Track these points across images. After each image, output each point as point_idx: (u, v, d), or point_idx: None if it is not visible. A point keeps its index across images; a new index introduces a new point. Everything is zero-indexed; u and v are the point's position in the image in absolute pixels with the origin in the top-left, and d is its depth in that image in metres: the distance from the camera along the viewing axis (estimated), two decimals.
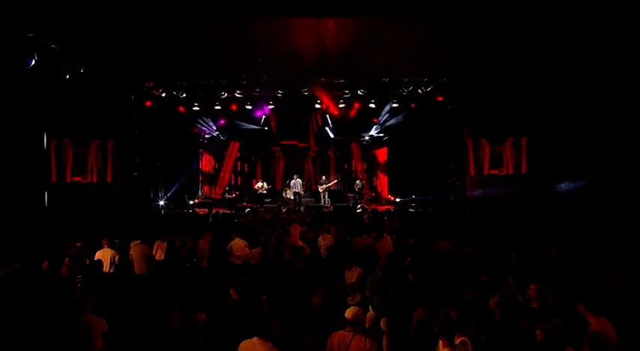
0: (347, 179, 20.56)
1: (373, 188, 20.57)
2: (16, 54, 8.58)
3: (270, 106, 17.85)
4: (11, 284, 6.58)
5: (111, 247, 8.10)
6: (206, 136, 19.44)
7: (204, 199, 19.02)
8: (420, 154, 18.07)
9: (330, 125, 19.43)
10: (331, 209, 16.37)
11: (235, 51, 14.76)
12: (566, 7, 12.15)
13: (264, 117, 19.10)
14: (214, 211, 13.41)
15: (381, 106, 17.82)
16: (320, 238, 9.21)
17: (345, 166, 20.95)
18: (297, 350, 5.12)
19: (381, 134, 19.66)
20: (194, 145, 19.17)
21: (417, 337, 5.25)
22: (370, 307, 6.00)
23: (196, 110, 17.23)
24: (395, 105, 17.29)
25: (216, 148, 20.44)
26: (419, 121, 17.88)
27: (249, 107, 17.59)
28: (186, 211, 16.41)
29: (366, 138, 19.99)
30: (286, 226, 10.33)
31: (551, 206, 13.34)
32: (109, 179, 14.87)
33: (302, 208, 16.08)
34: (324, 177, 18.94)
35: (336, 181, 19.03)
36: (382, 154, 20.16)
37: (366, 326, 5.49)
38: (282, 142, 20.69)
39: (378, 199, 19.51)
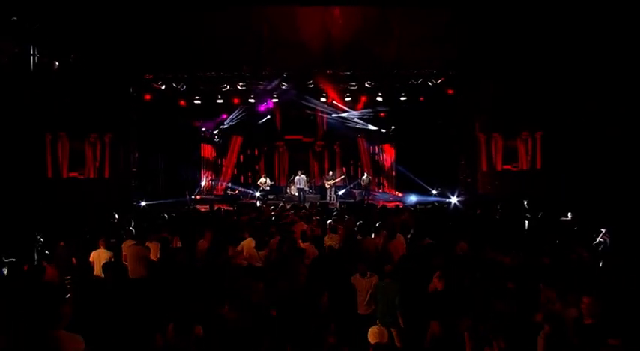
0: (355, 175, 19.95)
1: (379, 184, 19.95)
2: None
3: (274, 100, 17.25)
4: None
5: (108, 247, 7.54)
6: (208, 130, 18.85)
7: (205, 195, 18.47)
8: (428, 148, 17.49)
9: (336, 119, 18.80)
10: (337, 206, 15.77)
11: (238, 41, 14.25)
12: None
13: (267, 111, 18.50)
14: (215, 208, 12.88)
15: (389, 100, 17.18)
16: (326, 238, 8.64)
17: (352, 162, 20.30)
18: None
19: (389, 128, 19.01)
20: (195, 139, 18.60)
21: None
22: (377, 320, 5.48)
23: (197, 104, 16.63)
24: (403, 98, 16.64)
25: (219, 143, 19.85)
26: (427, 114, 17.28)
27: (252, 100, 17.01)
28: (187, 207, 15.88)
29: (374, 132, 19.32)
30: (291, 224, 9.76)
31: (571, 204, 12.72)
32: (107, 175, 14.39)
33: (307, 205, 15.66)
34: (331, 172, 18.36)
35: (343, 177, 18.41)
36: (389, 149, 19.54)
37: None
38: (286, 137, 20.07)
39: (384, 195, 18.88)
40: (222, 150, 19.94)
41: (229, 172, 19.64)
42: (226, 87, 15.45)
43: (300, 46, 14.44)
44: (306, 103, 17.41)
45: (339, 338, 4.46)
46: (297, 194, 17.96)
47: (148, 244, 8.17)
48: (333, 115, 18.61)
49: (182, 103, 16.79)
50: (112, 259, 7.45)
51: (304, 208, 13.56)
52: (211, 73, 15.05)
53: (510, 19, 13.81)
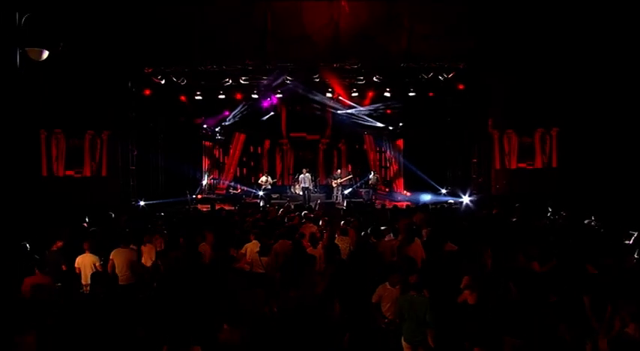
0: (360, 173, 19.34)
1: (387, 183, 19.32)
2: None
3: (278, 95, 16.63)
4: None
5: (93, 251, 6.92)
6: (209, 127, 18.24)
7: (207, 194, 17.87)
8: (438, 146, 16.88)
9: (342, 116, 18.17)
10: (344, 206, 15.16)
11: (241, 34, 13.70)
12: None
13: (271, 107, 17.88)
14: (217, 208, 12.28)
15: (397, 95, 16.55)
16: (337, 241, 8.02)
17: (358, 160, 19.69)
18: None
19: (397, 125, 18.37)
20: (196, 136, 18.01)
21: None
22: (402, 338, 4.85)
23: (199, 99, 16.02)
24: (411, 94, 16.01)
25: (220, 140, 19.23)
26: (437, 110, 16.64)
27: (256, 96, 16.39)
28: (187, 207, 15.28)
29: (381, 129, 18.69)
30: (298, 226, 9.14)
31: (590, 205, 12.08)
32: (104, 173, 13.84)
33: (313, 204, 15.08)
34: (339, 171, 17.74)
35: (350, 176, 17.79)
36: (397, 147, 18.90)
37: None
38: (291, 134, 19.44)
39: (392, 194, 18.26)
40: (224, 147, 19.34)
41: (231, 170, 19.03)
42: (229, 82, 14.82)
43: (306, 39, 13.89)
44: (312, 98, 16.79)
45: None
46: (301, 193, 17.36)
47: (143, 247, 7.65)
48: (339, 112, 17.98)
49: (183, 98, 16.18)
50: (98, 264, 6.83)
51: (311, 208, 12.95)
52: (213, 67, 14.41)
53: (525, 9, 13.24)
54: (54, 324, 4.53)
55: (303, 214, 10.22)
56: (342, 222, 9.26)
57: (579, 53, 13.19)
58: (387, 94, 16.29)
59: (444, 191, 16.47)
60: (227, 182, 18.53)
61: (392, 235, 8.05)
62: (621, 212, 9.93)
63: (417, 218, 10.51)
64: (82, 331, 4.46)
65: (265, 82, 15.39)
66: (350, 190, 18.21)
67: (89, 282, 6.65)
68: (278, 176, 18.97)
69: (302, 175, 16.79)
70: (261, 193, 17.14)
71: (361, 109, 17.23)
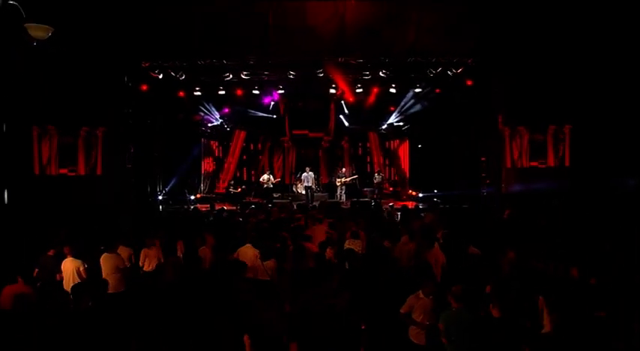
0: (364, 172, 18.83)
1: (392, 182, 18.80)
2: None
3: (280, 91, 16.07)
4: None
5: (76, 256, 6.35)
6: (209, 124, 17.66)
7: (206, 193, 17.32)
8: (445, 144, 16.35)
9: (346, 112, 17.64)
10: (349, 205, 14.64)
11: (242, 27, 13.14)
12: None
13: (272, 103, 17.32)
14: (218, 208, 11.73)
15: (402, 92, 16.03)
16: (347, 244, 7.50)
17: (368, 159, 19.16)
18: None
19: (402, 123, 17.83)
20: (195, 134, 17.41)
21: None
22: None
23: (198, 95, 15.43)
24: (418, 90, 15.48)
25: (220, 138, 18.65)
26: (444, 107, 16.10)
27: (257, 92, 15.82)
28: (186, 207, 14.74)
29: (385, 127, 18.16)
30: (305, 227, 8.62)
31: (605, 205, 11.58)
32: (99, 172, 13.21)
33: (316, 204, 14.60)
34: (343, 169, 17.20)
35: (356, 176, 17.25)
36: (403, 145, 18.37)
37: None
38: (293, 132, 18.88)
39: (397, 194, 17.73)
40: (224, 145, 18.77)
41: (232, 168, 18.47)
42: (229, 76, 14.23)
43: (310, 33, 13.34)
44: (315, 95, 16.26)
45: None
46: (304, 192, 16.85)
47: (145, 250, 7.12)
48: (344, 109, 17.45)
49: (181, 94, 15.59)
50: (83, 269, 6.26)
51: (314, 207, 12.43)
52: (213, 61, 13.84)
53: (537, 1, 12.73)
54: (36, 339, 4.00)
55: (316, 215, 9.68)
56: (352, 223, 8.73)
57: (594, 47, 12.66)
58: (393, 91, 15.75)
59: (451, 191, 15.96)
60: (227, 181, 17.95)
61: (407, 237, 7.53)
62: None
63: (428, 219, 10.04)
64: (65, 346, 3.94)
65: (267, 77, 14.81)
66: (353, 189, 17.71)
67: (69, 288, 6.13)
68: (277, 175, 18.42)
69: (305, 174, 16.28)
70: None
71: (365, 105, 16.58)
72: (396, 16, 13.14)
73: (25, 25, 6.87)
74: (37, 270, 6.52)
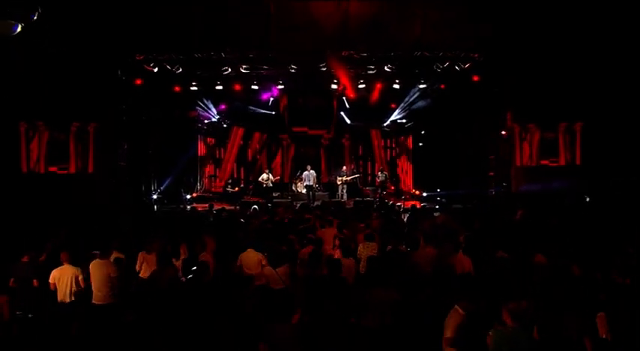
0: (365, 171, 18.31)
1: (395, 181, 18.29)
2: None
3: (280, 87, 15.46)
4: None
5: (74, 263, 5.75)
6: (205, 120, 17.01)
7: (203, 192, 16.69)
8: (451, 141, 15.86)
9: (347, 109, 17.09)
10: (352, 205, 14.10)
11: (242, 18, 12.60)
12: None
13: (271, 99, 16.73)
14: (218, 208, 11.13)
15: (406, 88, 15.50)
16: (360, 247, 6.95)
17: (368, 156, 18.64)
18: None
19: (405, 120, 17.31)
20: (192, 130, 16.77)
21: None
22: None
23: (194, 90, 14.78)
24: (422, 86, 14.96)
25: (218, 135, 18.01)
26: (449, 104, 15.59)
27: (256, 87, 15.20)
28: (182, 207, 14.13)
29: (388, 124, 17.62)
30: (313, 229, 8.05)
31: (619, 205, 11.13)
32: (90, 169, 12.60)
33: (318, 203, 14.06)
34: (344, 167, 16.63)
35: (358, 175, 16.71)
36: (406, 143, 17.85)
37: None
38: (292, 129, 18.30)
39: (399, 193, 17.21)
40: (221, 142, 18.14)
41: (229, 166, 17.85)
42: (228, 70, 13.60)
43: (313, 25, 12.80)
44: (316, 90, 15.70)
45: None
46: (304, 192, 16.29)
47: (143, 254, 6.51)
48: (345, 105, 16.90)
49: (177, 89, 14.93)
50: (82, 278, 5.67)
51: (317, 207, 11.87)
52: (211, 54, 13.22)
53: None
54: None
55: (325, 216, 9.11)
56: (362, 224, 8.20)
57: (606, 41, 12.22)
58: (396, 86, 15.22)
59: (457, 190, 15.49)
60: (224, 180, 17.33)
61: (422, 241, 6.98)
62: None
63: (440, 220, 9.50)
64: None
65: (267, 72, 14.21)
66: (354, 188, 17.19)
67: (66, 299, 5.53)
68: (277, 173, 17.85)
69: (306, 173, 15.71)
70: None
71: (368, 102, 16.04)
72: (402, 9, 12.67)
73: None
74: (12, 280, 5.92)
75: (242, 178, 18.31)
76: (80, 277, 5.62)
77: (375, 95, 15.87)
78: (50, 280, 5.64)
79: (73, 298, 5.47)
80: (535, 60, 12.94)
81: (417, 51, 13.35)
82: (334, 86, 15.24)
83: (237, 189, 16.76)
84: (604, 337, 3.70)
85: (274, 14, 12.68)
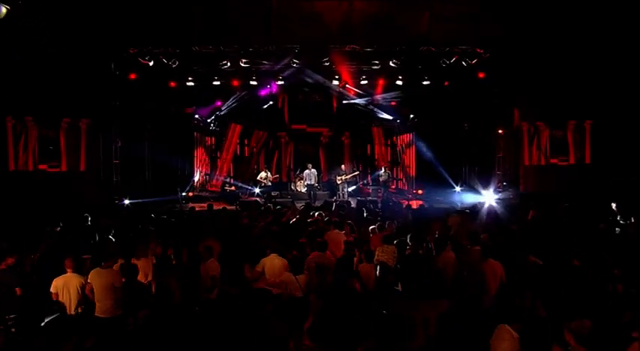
0: (365, 169, 17.86)
1: (397, 180, 17.89)
2: None
3: (280, 82, 14.93)
4: None
5: (78, 271, 5.21)
6: (202, 117, 16.43)
7: (199, 191, 16.11)
8: (453, 139, 15.48)
9: (348, 105, 16.61)
10: (355, 205, 13.63)
11: (242, 11, 12.11)
12: None
13: (270, 96, 16.19)
14: (218, 207, 10.59)
15: (409, 84, 15.07)
16: (378, 251, 6.48)
17: (367, 153, 18.19)
18: None
19: (407, 116, 16.91)
20: (188, 127, 16.16)
21: None
22: None
23: (191, 86, 14.19)
24: (426, 82, 14.55)
25: (215, 132, 17.44)
26: (454, 101, 15.20)
27: (255, 83, 14.65)
28: (178, 206, 13.56)
29: (390, 121, 17.20)
30: (319, 231, 7.56)
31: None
32: (82, 167, 11.98)
33: (318, 203, 13.58)
34: (343, 166, 16.17)
35: (358, 172, 16.28)
36: (409, 140, 17.43)
37: None
38: (291, 126, 17.80)
39: (402, 192, 16.81)
40: (218, 140, 17.56)
41: (226, 165, 17.28)
42: (227, 64, 13.03)
43: (316, 18, 12.36)
44: (316, 86, 15.20)
45: None
46: (303, 191, 15.81)
47: (135, 261, 5.95)
48: (344, 101, 16.41)
49: (172, 84, 14.34)
50: (88, 289, 5.16)
51: (323, 207, 11.38)
52: (209, 47, 12.67)
53: None
54: None
55: (325, 216, 8.65)
56: (374, 227, 7.73)
57: (616, 37, 11.91)
58: (399, 83, 14.79)
59: (458, 189, 15.12)
60: (221, 178, 16.77)
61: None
62: None
63: (452, 222, 9.09)
64: None
65: (267, 67, 13.67)
66: (354, 187, 16.77)
67: (72, 311, 5.01)
68: (274, 172, 17.34)
69: (307, 171, 15.25)
70: (257, 190, 15.53)
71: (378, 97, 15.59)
72: (409, 2, 12.28)
73: None
74: None
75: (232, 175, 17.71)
76: (88, 288, 5.09)
77: (380, 91, 15.43)
78: (52, 290, 5.12)
79: (79, 311, 4.95)
80: (543, 56, 12.61)
81: (424, 46, 12.95)
82: (336, 82, 14.78)
83: (233, 188, 16.26)
84: None
85: (276, 6, 12.22)
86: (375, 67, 13.50)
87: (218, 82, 14.32)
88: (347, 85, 15.28)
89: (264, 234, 7.50)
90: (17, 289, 5.18)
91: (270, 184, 15.54)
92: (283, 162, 18.34)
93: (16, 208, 10.03)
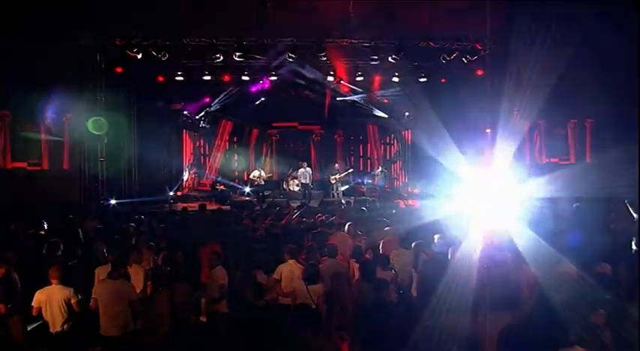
0: (357, 168, 17.49)
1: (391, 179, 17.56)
2: None
3: (272, 78, 14.41)
4: None
5: (64, 282, 4.64)
6: (191, 113, 15.80)
7: (189, 190, 15.49)
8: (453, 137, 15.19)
9: (341, 102, 16.21)
10: (351, 205, 13.22)
11: (237, 3, 11.72)
12: None
13: (261, 92, 15.68)
14: (212, 208, 10.05)
15: (406, 81, 14.75)
16: (393, 255, 6.06)
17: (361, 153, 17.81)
18: None
19: (402, 114, 16.58)
20: (176, 124, 15.51)
21: None
22: None
23: (180, 80, 13.54)
24: (423, 80, 14.25)
25: (204, 129, 16.82)
26: (452, 98, 14.93)
27: (246, 78, 14.10)
28: (168, 206, 12.95)
29: (385, 119, 16.85)
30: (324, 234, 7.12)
31: None
32: (65, 166, 11.24)
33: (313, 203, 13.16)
34: (336, 165, 15.76)
35: (351, 170, 15.89)
36: (404, 139, 17.12)
37: None
38: (279, 124, 17.33)
39: (396, 192, 16.46)
40: (208, 137, 16.94)
41: (217, 163, 16.68)
42: (220, 58, 12.46)
43: (313, 11, 12.03)
44: (310, 82, 14.76)
45: None
46: (296, 190, 15.35)
47: (129, 269, 5.39)
48: (338, 98, 16.00)
49: (160, 79, 13.68)
50: (75, 301, 4.59)
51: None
52: (202, 40, 12.10)
53: None
54: None
55: (326, 218, 8.19)
56: (387, 228, 7.33)
57: (617, 36, 11.80)
58: (396, 80, 14.47)
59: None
60: (212, 177, 16.17)
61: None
62: None
63: None
64: None
65: (262, 61, 13.15)
66: (346, 186, 16.36)
67: (57, 329, 4.44)
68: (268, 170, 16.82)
69: (302, 170, 14.80)
70: (247, 189, 15.03)
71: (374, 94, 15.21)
72: None
73: None
74: None
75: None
76: (74, 301, 4.53)
77: (377, 87, 15.07)
78: (33, 304, 4.55)
79: (64, 328, 4.39)
80: (543, 54, 12.42)
81: (424, 41, 12.64)
82: (330, 78, 14.35)
83: (223, 187, 15.68)
84: None
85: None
86: (374, 63, 13.08)
87: (209, 77, 13.72)
88: (342, 82, 14.90)
89: (269, 237, 7.04)
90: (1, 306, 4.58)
91: (263, 183, 15.04)
92: (273, 160, 17.83)
93: None
